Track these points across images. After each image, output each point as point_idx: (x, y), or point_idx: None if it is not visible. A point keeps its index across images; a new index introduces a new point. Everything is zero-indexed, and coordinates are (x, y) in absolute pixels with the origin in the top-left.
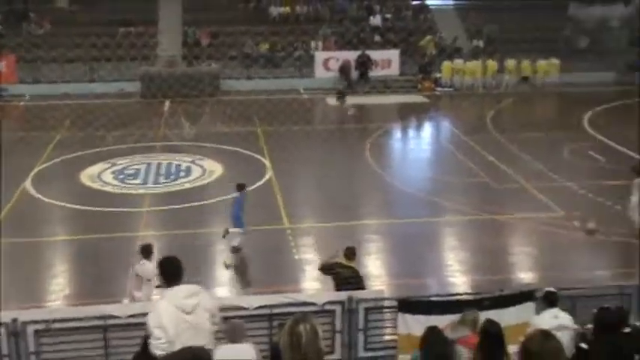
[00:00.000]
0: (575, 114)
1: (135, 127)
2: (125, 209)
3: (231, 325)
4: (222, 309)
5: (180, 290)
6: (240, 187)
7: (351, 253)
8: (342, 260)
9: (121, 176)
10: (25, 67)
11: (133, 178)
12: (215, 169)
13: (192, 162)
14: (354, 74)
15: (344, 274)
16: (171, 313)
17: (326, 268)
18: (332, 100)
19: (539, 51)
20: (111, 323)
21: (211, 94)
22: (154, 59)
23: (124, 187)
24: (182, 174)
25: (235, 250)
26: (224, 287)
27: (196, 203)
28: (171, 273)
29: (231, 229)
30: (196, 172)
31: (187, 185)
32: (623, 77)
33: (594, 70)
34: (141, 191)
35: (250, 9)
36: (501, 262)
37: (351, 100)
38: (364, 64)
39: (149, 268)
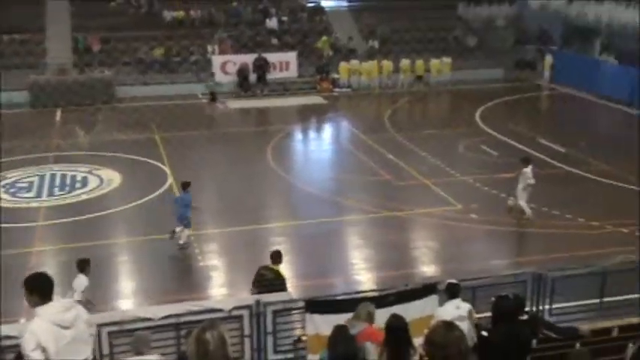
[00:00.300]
0: (468, 110)
1: (25, 138)
2: (18, 224)
3: (137, 337)
4: (128, 321)
5: (55, 306)
6: (185, 186)
7: (276, 255)
8: (268, 263)
9: (13, 190)
10: None
11: (26, 192)
12: (113, 178)
13: (89, 172)
14: (252, 77)
15: (267, 276)
16: (49, 331)
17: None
18: (232, 104)
19: (432, 50)
20: (7, 344)
21: (105, 101)
22: (43, 67)
23: (16, 201)
24: (78, 185)
25: (182, 248)
26: (128, 299)
27: (95, 214)
28: (42, 289)
29: (177, 229)
30: (93, 182)
31: (84, 196)
32: (510, 74)
33: (484, 68)
34: (34, 205)
35: (142, 14)
36: (405, 257)
37: (251, 103)
38: (261, 67)
39: (82, 281)
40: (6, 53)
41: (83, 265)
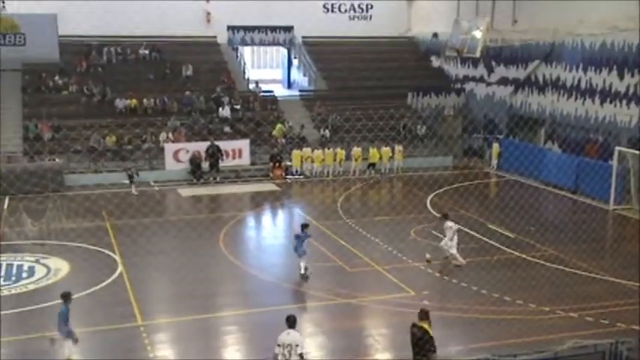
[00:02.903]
0: (419, 197)
1: None
2: None
3: None
4: None
5: None
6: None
7: (424, 314)
8: (416, 320)
9: None
10: None
11: None
12: (61, 267)
13: (36, 261)
14: (205, 165)
15: (417, 334)
16: None
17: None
18: (184, 191)
19: (382, 139)
20: None
21: (55, 189)
22: None
23: None
24: (25, 275)
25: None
26: None
27: (42, 305)
28: None
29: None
30: (40, 271)
31: (31, 286)
32: (459, 161)
33: (433, 155)
34: None
35: (95, 102)
36: (359, 345)
37: (203, 190)
38: (214, 154)
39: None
40: None
41: (67, 297)
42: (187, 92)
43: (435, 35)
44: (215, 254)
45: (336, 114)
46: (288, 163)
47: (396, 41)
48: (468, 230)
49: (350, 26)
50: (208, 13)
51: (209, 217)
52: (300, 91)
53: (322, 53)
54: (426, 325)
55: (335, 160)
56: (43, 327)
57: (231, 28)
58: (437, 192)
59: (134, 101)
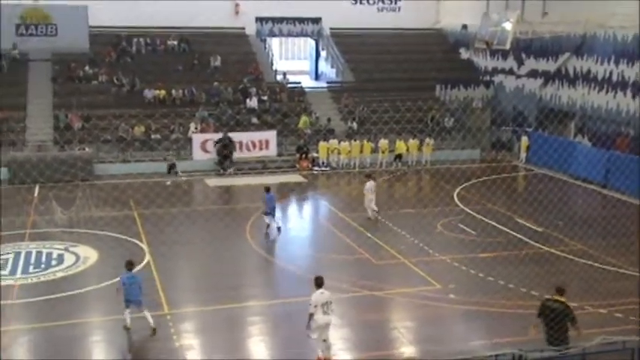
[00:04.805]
0: (446, 190)
1: (1, 215)
2: None
3: None
4: None
5: None
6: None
7: (562, 290)
8: (549, 296)
9: None
10: None
11: (0, 269)
12: (90, 255)
13: (65, 249)
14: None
15: (557, 308)
16: None
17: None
18: (211, 182)
19: (409, 131)
20: None
21: (84, 178)
22: (22, 144)
23: None
24: (54, 262)
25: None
26: None
27: (70, 292)
28: None
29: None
30: (69, 259)
31: (60, 274)
32: (487, 154)
33: (461, 148)
34: (8, 282)
35: (124, 92)
36: (383, 337)
37: (230, 181)
38: (226, 146)
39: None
40: None
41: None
42: (215, 83)
43: (464, 27)
44: (241, 245)
45: (363, 106)
46: (315, 155)
47: (425, 33)
48: (495, 224)
49: (378, 18)
50: (237, 5)
51: (236, 208)
52: (327, 82)
53: (350, 45)
54: (564, 300)
55: (361, 151)
56: (71, 314)
57: (260, 20)
58: (464, 185)
59: (162, 92)
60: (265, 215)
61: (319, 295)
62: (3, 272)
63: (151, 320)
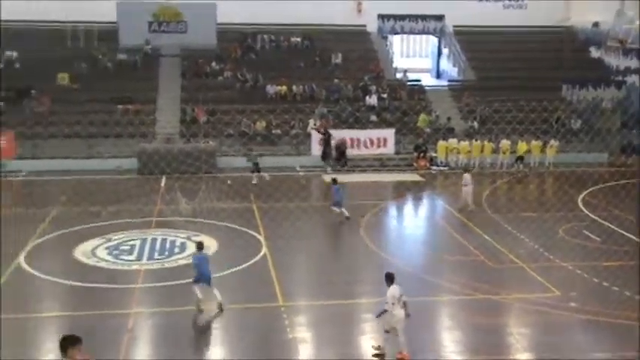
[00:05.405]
0: (570, 194)
1: (131, 202)
2: (117, 285)
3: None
4: None
5: None
6: (200, 247)
7: None
8: None
9: (116, 252)
10: (25, 144)
11: (128, 254)
12: (210, 244)
13: (188, 238)
14: (318, 152)
15: None
16: None
17: None
18: (328, 177)
19: (533, 132)
20: None
21: (208, 170)
22: (152, 136)
23: (117, 262)
24: (177, 250)
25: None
26: None
27: (190, 280)
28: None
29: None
30: (191, 248)
31: (182, 262)
32: (616, 159)
33: (587, 151)
34: (135, 267)
35: (248, 88)
36: (497, 343)
37: (347, 177)
38: (327, 141)
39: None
40: (121, 122)
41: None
42: (335, 80)
43: (596, 24)
44: (355, 241)
45: (485, 105)
46: (433, 154)
47: (553, 30)
48: (623, 232)
49: (504, 15)
50: (360, 3)
51: (351, 205)
52: (448, 81)
53: (473, 42)
54: None
55: (482, 152)
56: (191, 300)
57: (382, 17)
58: (590, 190)
59: (284, 88)
60: (333, 206)
61: (395, 289)
62: (130, 257)
63: (219, 296)
